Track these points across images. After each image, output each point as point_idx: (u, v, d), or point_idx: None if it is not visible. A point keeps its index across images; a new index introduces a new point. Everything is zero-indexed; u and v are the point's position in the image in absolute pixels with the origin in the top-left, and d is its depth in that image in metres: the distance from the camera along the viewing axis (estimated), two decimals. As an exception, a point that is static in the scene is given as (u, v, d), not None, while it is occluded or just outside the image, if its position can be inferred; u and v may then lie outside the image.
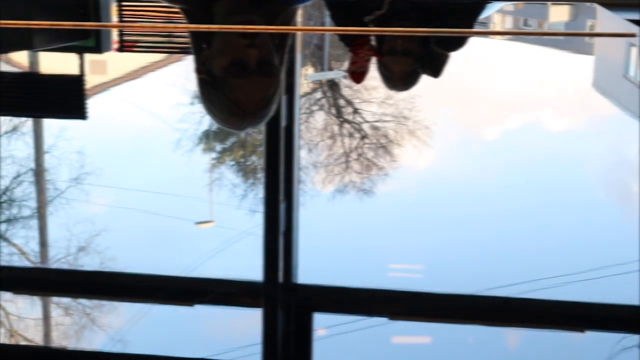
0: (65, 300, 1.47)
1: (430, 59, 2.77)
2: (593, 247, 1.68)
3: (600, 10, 3.92)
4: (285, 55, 1.98)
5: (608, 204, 1.96)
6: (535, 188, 1.99)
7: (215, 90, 1.80)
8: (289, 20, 2.24)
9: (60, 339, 1.35)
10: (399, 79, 2.69)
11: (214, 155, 2.23)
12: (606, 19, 3.90)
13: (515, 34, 4.29)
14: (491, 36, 3.84)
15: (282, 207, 1.83)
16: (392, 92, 2.67)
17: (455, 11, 3.21)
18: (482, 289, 1.46)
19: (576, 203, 1.91)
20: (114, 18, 3.76)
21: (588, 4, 4.31)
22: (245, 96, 1.77)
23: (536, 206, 1.87)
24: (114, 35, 3.52)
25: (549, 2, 4.69)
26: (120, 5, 3.78)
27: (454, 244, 1.67)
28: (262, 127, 2.30)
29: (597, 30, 3.99)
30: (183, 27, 2.00)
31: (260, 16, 2.04)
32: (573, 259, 1.59)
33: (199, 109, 2.15)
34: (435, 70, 2.74)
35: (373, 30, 3.04)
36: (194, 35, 2.08)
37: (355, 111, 2.57)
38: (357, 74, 2.79)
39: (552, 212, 1.84)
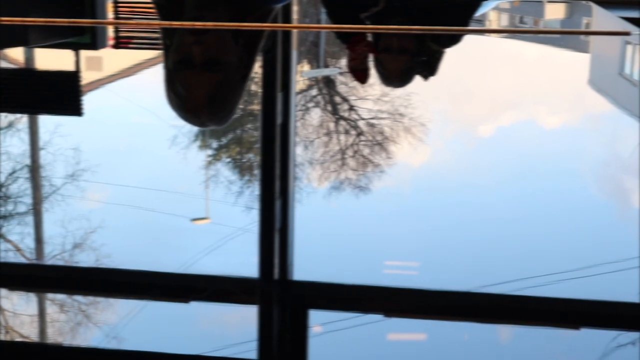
0: (61, 296, 1.47)
1: (426, 57, 2.77)
2: (588, 244, 1.69)
3: (596, 9, 3.92)
4: (254, 55, 1.97)
5: (603, 201, 1.96)
6: (530, 185, 2.00)
7: (169, 87, 1.80)
8: (264, 19, 2.24)
9: (56, 336, 1.35)
10: (396, 76, 2.69)
11: (209, 152, 2.23)
12: (601, 17, 3.90)
13: (511, 32, 4.29)
14: (487, 34, 3.84)
15: (277, 204, 1.83)
16: (388, 90, 2.67)
17: (451, 8, 3.21)
18: (477, 286, 1.46)
19: (571, 200, 1.91)
20: (110, 15, 3.75)
21: (584, 2, 4.32)
22: (188, 92, 1.77)
23: (531, 203, 1.87)
24: (110, 31, 3.51)
25: (544, 0, 4.69)
26: (116, 2, 3.77)
27: (450, 241, 1.67)
28: (250, 123, 2.30)
29: (593, 28, 4.00)
30: (178, 24, 2.00)
31: (222, 13, 2.03)
32: (569, 256, 1.59)
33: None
34: (431, 68, 2.74)
35: (369, 27, 3.04)
36: (163, 30, 2.08)
37: (351, 108, 2.57)
38: (359, 72, 2.79)
39: (547, 209, 1.84)
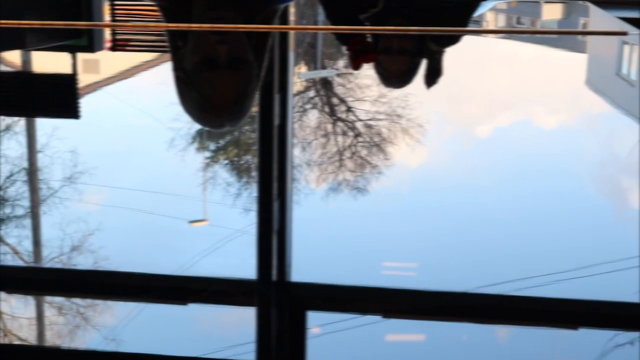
0: (59, 299, 1.47)
1: (428, 61, 2.77)
2: (587, 244, 1.69)
3: (593, 9, 3.93)
4: (265, 54, 1.97)
5: (601, 201, 1.96)
6: (528, 186, 2.00)
7: (188, 88, 1.79)
8: (270, 20, 2.24)
9: (54, 338, 1.35)
10: (396, 77, 2.69)
11: (207, 154, 2.23)
12: (599, 17, 3.91)
13: (508, 32, 4.30)
14: (484, 34, 3.84)
15: (275, 205, 1.83)
16: (386, 90, 2.67)
17: (449, 9, 3.21)
18: (475, 286, 1.46)
19: (570, 200, 1.91)
20: (107, 17, 3.75)
21: (580, 2, 4.32)
22: (216, 92, 1.77)
23: (529, 204, 1.87)
24: (107, 34, 3.51)
25: (542, 0, 4.69)
26: (112, 4, 3.78)
27: (448, 242, 1.67)
28: (248, 125, 2.30)
29: (590, 28, 4.00)
30: (174, 26, 2.00)
31: (237, 14, 2.03)
32: (567, 256, 1.59)
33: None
34: (436, 71, 2.74)
35: (367, 29, 3.04)
36: (170, 32, 2.08)
37: (349, 109, 2.57)
38: (362, 57, 2.77)
39: (545, 209, 1.84)
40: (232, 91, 1.77)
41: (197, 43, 1.90)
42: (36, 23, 2.89)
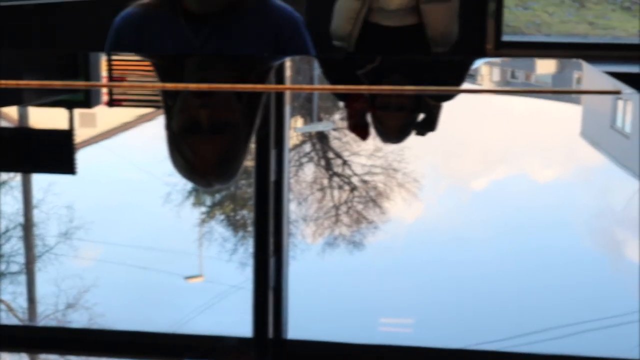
0: (54, 357, 1.46)
1: (424, 113, 2.79)
2: (584, 298, 1.68)
3: (586, 66, 3.96)
4: (257, 111, 1.98)
5: (598, 254, 1.96)
6: (525, 239, 1.99)
7: (175, 149, 1.81)
8: (265, 75, 2.26)
9: (48, 398, 1.33)
10: (394, 133, 2.71)
11: (203, 209, 2.23)
12: (591, 74, 3.94)
13: (505, 92, 4.33)
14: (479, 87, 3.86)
15: (271, 261, 1.83)
16: (382, 144, 2.68)
17: (445, 66, 3.24)
18: (474, 343, 1.45)
19: (566, 253, 1.91)
20: (104, 73, 3.77)
21: (574, 59, 4.36)
22: (197, 156, 1.78)
23: (526, 258, 1.87)
24: (104, 89, 3.53)
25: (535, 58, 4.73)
26: (109, 61, 3.80)
27: (445, 297, 1.67)
28: (244, 180, 2.31)
29: (583, 84, 4.03)
30: (172, 86, 2.01)
31: (223, 74, 2.06)
32: (564, 311, 1.59)
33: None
34: (430, 124, 2.76)
35: (365, 88, 3.06)
36: (163, 91, 2.11)
37: (345, 163, 2.57)
38: (360, 129, 2.80)
39: (542, 263, 1.84)
40: (213, 155, 1.78)
41: (182, 105, 1.92)
42: (34, 83, 2.91)
